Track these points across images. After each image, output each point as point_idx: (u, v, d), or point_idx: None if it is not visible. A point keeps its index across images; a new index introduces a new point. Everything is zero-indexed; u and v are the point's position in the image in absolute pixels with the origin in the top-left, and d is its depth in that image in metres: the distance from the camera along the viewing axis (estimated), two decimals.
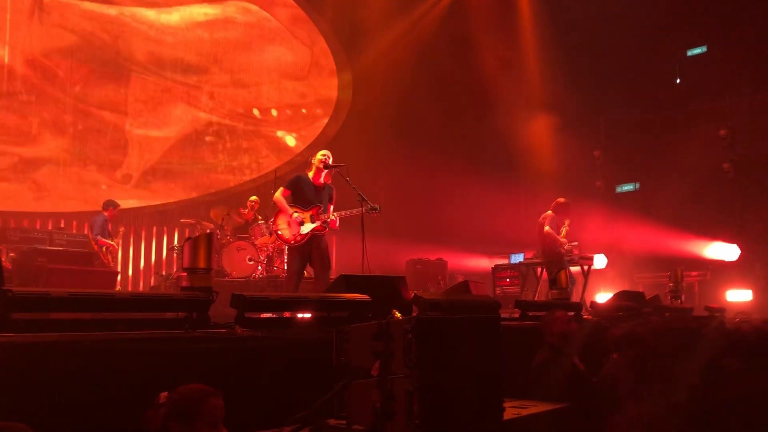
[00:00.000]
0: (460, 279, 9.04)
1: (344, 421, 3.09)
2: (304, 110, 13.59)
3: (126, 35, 12.13)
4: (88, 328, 3.14)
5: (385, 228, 9.53)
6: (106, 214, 9.76)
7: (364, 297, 4.31)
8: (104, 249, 9.62)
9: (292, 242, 6.79)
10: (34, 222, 10.76)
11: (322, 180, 6.93)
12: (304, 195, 6.87)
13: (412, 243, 11.46)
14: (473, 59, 12.61)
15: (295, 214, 6.79)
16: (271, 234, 9.95)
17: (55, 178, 11.25)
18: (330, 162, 6.90)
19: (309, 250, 6.77)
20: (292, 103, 13.50)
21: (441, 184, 11.95)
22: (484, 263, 11.91)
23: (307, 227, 6.75)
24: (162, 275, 11.03)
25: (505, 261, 11.07)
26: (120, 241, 10.26)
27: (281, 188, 7.01)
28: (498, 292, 10.11)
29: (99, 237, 9.51)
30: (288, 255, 7.06)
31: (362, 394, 3.04)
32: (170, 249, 11.33)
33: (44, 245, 8.35)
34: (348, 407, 3.09)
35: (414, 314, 4.56)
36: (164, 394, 2.33)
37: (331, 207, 7.01)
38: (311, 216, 6.81)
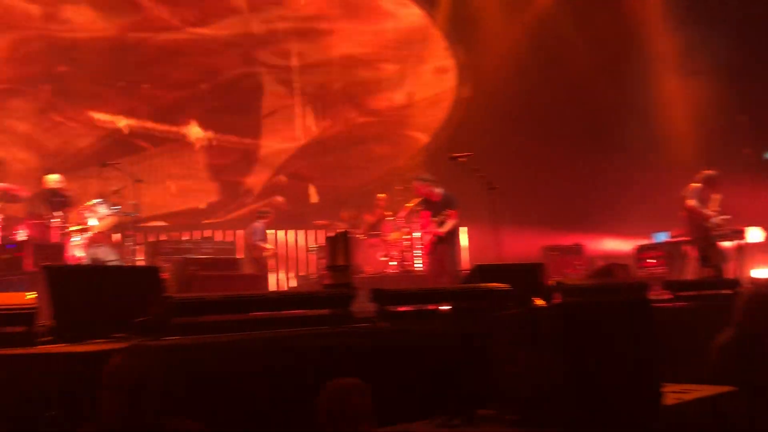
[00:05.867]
0: (599, 264, 8.67)
1: (494, 411, 3.04)
2: (424, 102, 13.57)
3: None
4: (239, 329, 3.29)
5: (517, 215, 9.31)
6: (263, 221, 10.29)
7: (503, 286, 4.24)
8: (266, 253, 10.17)
9: (425, 250, 8.27)
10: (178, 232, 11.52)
11: (434, 198, 7.93)
12: (432, 210, 7.96)
13: (546, 229, 11.11)
14: (599, 27, 11.95)
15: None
16: (401, 229, 10.10)
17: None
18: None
19: (433, 255, 7.93)
20: (412, 95, 13.53)
21: (572, 165, 11.47)
22: (624, 245, 11.35)
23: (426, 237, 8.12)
24: (301, 276, 11.45)
25: (648, 241, 10.49)
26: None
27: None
28: (643, 274, 9.60)
29: (260, 242, 10.06)
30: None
31: (511, 384, 2.99)
32: (308, 251, 11.73)
33: (194, 254, 8.87)
34: (497, 397, 3.05)
35: (556, 301, 4.43)
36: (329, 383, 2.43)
37: (448, 214, 7.71)
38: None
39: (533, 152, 11.43)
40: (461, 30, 13.12)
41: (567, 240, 11.04)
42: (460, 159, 7.12)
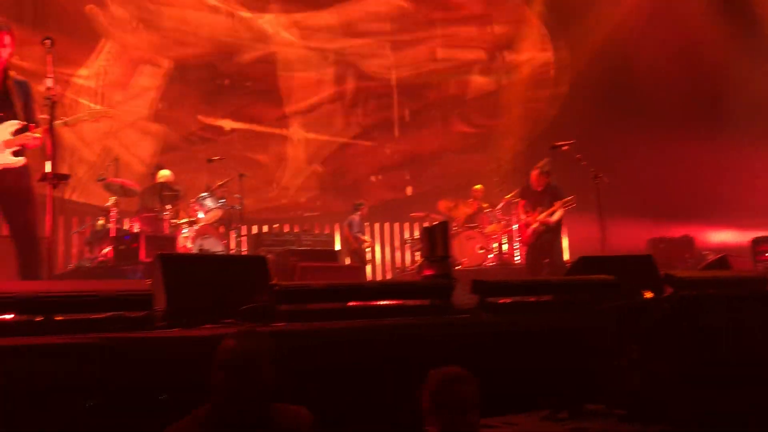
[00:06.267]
0: (710, 257, 8.22)
1: (602, 406, 2.94)
2: (521, 103, 13.26)
3: None
4: (341, 317, 3.34)
5: (621, 205, 8.93)
6: (359, 213, 10.47)
7: (609, 278, 4.09)
8: (364, 245, 10.33)
9: (524, 240, 8.23)
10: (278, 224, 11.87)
11: (540, 186, 7.81)
12: (530, 200, 8.01)
13: (652, 220, 10.61)
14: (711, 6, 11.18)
15: (522, 216, 8.13)
16: (499, 221, 9.97)
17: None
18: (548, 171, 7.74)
19: (536, 245, 7.89)
20: (509, 98, 13.25)
21: (681, 153, 10.83)
22: (738, 237, 10.67)
23: (530, 228, 7.93)
24: (398, 269, 11.52)
25: (766, 233, 9.83)
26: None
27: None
28: (761, 268, 9.01)
29: (359, 234, 10.26)
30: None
31: (620, 378, 2.89)
32: (403, 243, 11.78)
33: (294, 246, 9.10)
34: (606, 391, 2.95)
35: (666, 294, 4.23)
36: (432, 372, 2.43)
37: (567, 201, 7.62)
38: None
39: (637, 139, 10.90)
40: (558, 20, 12.71)
41: (675, 232, 10.52)
42: (563, 148, 6.95)
